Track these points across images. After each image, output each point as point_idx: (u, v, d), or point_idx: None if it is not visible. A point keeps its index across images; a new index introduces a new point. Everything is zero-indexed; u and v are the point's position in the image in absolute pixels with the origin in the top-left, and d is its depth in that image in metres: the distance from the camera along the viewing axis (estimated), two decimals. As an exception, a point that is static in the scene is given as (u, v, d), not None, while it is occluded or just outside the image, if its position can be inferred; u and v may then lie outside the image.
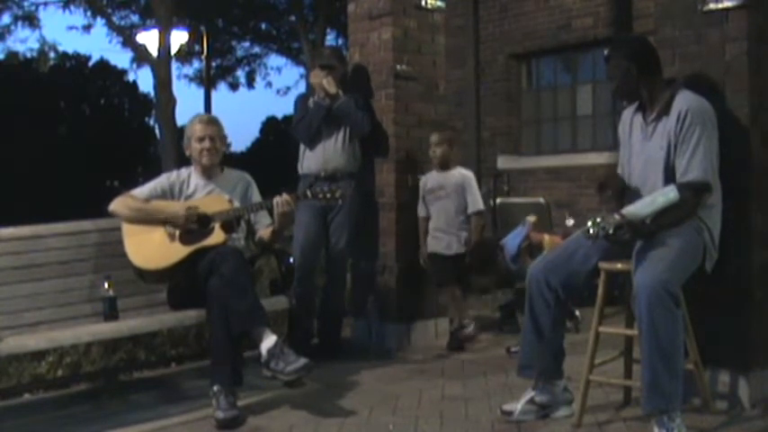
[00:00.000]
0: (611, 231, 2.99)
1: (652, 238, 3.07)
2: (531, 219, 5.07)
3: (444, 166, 4.89)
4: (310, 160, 4.76)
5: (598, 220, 3.02)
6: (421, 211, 4.94)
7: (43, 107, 25.36)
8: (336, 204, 4.46)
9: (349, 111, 4.70)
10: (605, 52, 3.35)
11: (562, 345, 3.43)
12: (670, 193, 3.05)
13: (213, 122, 4.11)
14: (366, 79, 4.99)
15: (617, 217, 3.01)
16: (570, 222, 5.51)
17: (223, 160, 4.19)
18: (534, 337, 3.36)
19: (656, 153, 3.20)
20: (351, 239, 4.81)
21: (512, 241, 5.00)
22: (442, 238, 4.85)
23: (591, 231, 3.02)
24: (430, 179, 4.93)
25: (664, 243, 3.04)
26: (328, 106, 4.68)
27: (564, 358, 3.44)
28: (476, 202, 4.89)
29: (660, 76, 3.30)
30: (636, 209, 3.07)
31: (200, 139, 4.04)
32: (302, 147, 4.83)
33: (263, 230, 4.08)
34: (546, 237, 5.02)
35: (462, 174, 4.92)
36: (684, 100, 3.17)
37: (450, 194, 4.86)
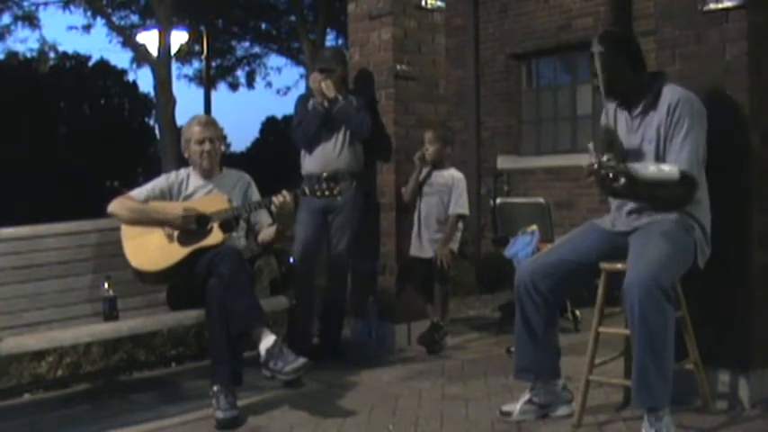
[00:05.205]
0: (610, 174, 2.87)
1: (637, 200, 3.09)
2: (535, 227, 5.02)
3: (437, 164, 4.83)
4: (311, 162, 4.76)
5: (604, 158, 2.90)
6: None
7: (43, 107, 25.33)
8: (335, 201, 4.45)
9: (348, 115, 4.68)
10: (595, 48, 3.20)
11: (557, 344, 3.42)
12: (674, 169, 3.02)
13: (211, 124, 4.13)
14: (370, 84, 4.96)
15: (622, 166, 2.91)
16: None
17: (222, 160, 4.20)
18: (528, 338, 3.34)
19: (645, 147, 3.17)
20: (352, 240, 4.80)
21: (523, 251, 4.93)
22: (417, 239, 4.83)
23: (590, 163, 2.90)
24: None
25: (653, 245, 3.02)
26: (326, 111, 4.66)
27: (560, 357, 3.43)
28: (459, 204, 4.78)
29: (646, 70, 3.27)
30: (639, 167, 3.01)
31: (200, 142, 4.05)
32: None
33: (266, 231, 4.08)
34: (549, 246, 4.97)
35: (453, 176, 4.84)
36: (673, 92, 3.15)
37: (434, 193, 4.80)
